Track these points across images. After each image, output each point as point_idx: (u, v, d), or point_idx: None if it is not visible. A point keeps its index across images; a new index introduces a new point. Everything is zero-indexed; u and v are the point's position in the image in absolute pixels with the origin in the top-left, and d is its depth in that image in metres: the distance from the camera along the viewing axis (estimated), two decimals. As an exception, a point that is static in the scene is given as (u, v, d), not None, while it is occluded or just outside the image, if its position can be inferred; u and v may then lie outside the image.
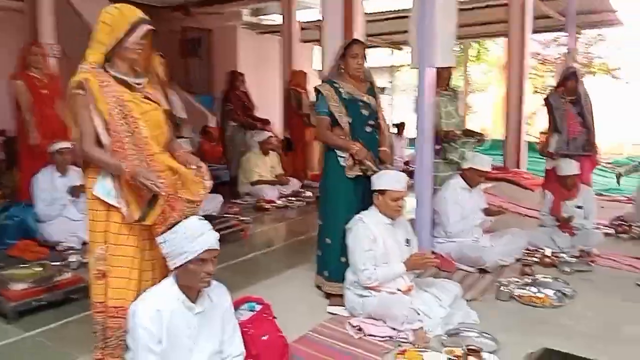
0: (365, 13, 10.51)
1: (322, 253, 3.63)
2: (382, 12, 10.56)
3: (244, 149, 6.90)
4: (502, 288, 3.71)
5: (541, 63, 14.80)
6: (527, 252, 4.58)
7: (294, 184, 6.85)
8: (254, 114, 7.12)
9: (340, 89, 3.47)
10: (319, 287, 3.66)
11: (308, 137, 7.86)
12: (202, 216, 2.27)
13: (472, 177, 4.37)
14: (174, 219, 2.25)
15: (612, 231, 5.37)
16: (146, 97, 2.38)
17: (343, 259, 3.47)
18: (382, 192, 3.29)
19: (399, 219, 3.38)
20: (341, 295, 3.46)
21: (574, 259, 4.48)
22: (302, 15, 10.19)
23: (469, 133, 4.55)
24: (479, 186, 4.50)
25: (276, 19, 11.90)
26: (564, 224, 4.81)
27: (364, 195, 3.50)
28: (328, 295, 3.56)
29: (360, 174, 3.43)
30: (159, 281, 2.33)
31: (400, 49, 13.96)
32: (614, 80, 14.18)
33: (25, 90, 4.88)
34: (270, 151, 6.79)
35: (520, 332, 3.14)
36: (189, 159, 2.46)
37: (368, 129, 3.53)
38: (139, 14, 2.29)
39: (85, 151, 2.26)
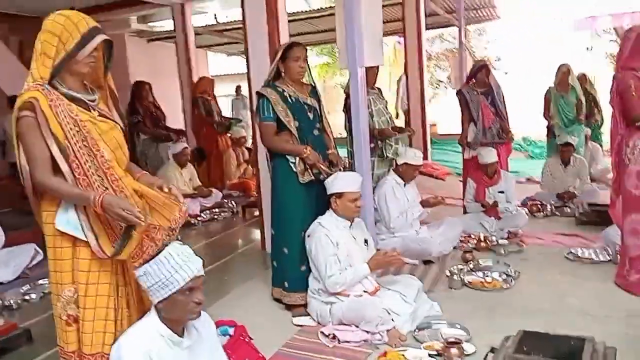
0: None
1: (279, 264, 3.50)
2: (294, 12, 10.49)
3: (157, 163, 6.52)
4: (454, 277, 3.81)
5: (428, 58, 15.57)
6: (462, 239, 4.78)
7: (216, 195, 6.60)
8: (165, 125, 6.75)
9: (285, 93, 3.37)
10: (278, 300, 3.53)
11: (221, 146, 7.62)
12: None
13: (406, 172, 4.45)
14: (153, 249, 2.03)
15: (525, 211, 5.74)
16: (101, 115, 2.12)
17: (303, 268, 3.38)
18: (339, 194, 3.24)
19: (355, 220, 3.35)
20: (303, 305, 3.37)
21: (505, 241, 4.74)
22: (194, 21, 9.86)
23: (399, 129, 4.63)
24: (413, 180, 4.60)
25: (166, 25, 11.46)
26: (490, 209, 5.07)
27: (317, 200, 3.43)
28: (289, 307, 3.44)
29: (313, 178, 3.35)
30: (136, 319, 2.10)
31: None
32: (494, 71, 15.26)
33: None
34: (187, 163, 6.48)
35: (485, 317, 3.24)
36: (154, 180, 2.23)
37: (316, 132, 3.46)
38: (90, 22, 2.02)
39: (39, 181, 1.96)
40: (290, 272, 3.42)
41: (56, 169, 1.97)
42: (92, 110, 2.09)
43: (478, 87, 5.45)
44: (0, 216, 5.78)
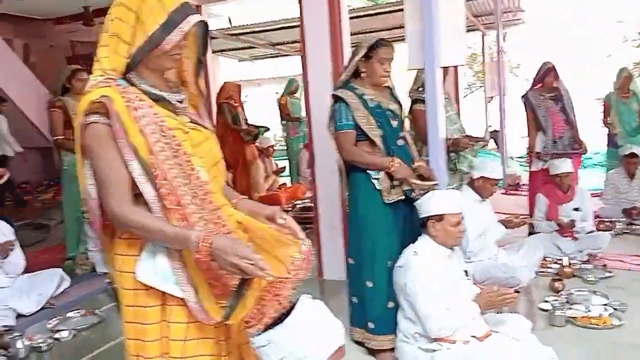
0: (275, 21, 10.06)
1: (361, 299, 2.95)
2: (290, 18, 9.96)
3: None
4: (555, 312, 3.28)
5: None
6: (542, 263, 4.24)
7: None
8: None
9: (364, 96, 2.84)
10: (359, 343, 2.98)
11: (248, 156, 7.06)
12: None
13: (484, 187, 3.90)
14: (276, 309, 1.48)
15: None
16: (192, 122, 1.57)
17: (391, 305, 2.85)
18: (438, 217, 2.70)
19: (452, 247, 2.81)
20: (391, 350, 2.83)
21: (589, 265, 4.21)
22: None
23: (471, 139, 4.10)
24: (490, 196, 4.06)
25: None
26: (565, 229, 4.54)
27: (404, 224, 2.90)
28: (373, 352, 2.90)
29: (402, 197, 2.81)
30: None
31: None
32: (515, 77, 14.81)
33: None
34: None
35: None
36: (259, 208, 1.67)
37: (400, 142, 2.93)
38: None
39: (115, 213, 1.40)
40: (376, 310, 2.88)
41: (135, 197, 1.43)
42: (180, 115, 1.54)
43: (545, 91, 4.93)
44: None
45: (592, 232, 4.63)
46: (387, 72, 2.83)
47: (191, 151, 1.47)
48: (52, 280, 3.84)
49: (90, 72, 1.49)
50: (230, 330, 1.56)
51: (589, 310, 3.36)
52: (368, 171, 2.81)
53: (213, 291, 1.45)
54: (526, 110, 5.02)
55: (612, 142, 6.18)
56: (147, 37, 1.41)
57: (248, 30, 10.27)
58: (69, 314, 3.55)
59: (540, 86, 4.98)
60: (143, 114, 1.42)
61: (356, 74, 2.88)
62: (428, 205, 2.73)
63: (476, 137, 4.10)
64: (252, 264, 1.32)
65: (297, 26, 9.72)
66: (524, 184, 7.13)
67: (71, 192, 4.67)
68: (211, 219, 1.47)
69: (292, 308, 1.47)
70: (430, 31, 3.38)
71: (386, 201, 2.79)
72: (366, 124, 2.77)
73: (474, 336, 2.64)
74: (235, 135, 6.95)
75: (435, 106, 3.49)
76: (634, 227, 5.26)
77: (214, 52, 10.33)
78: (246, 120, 7.13)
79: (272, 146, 7.41)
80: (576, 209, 4.63)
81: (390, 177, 2.80)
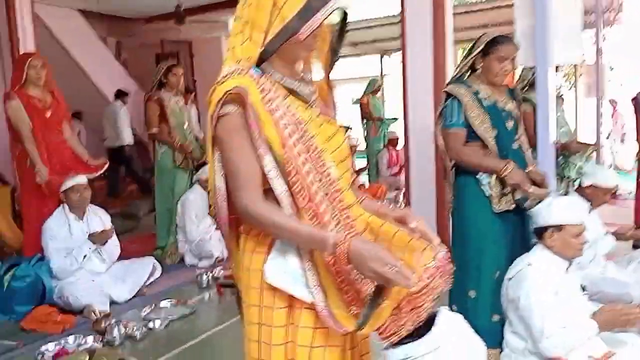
0: (355, 21, 9.95)
1: (462, 309, 2.76)
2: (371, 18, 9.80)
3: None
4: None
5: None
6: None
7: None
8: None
9: (479, 94, 2.66)
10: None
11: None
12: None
13: (595, 196, 3.61)
14: (413, 320, 1.36)
15: None
16: (322, 114, 1.47)
17: (496, 318, 2.67)
18: (558, 227, 2.49)
19: (569, 260, 2.59)
20: (494, 364, 2.65)
21: None
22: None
23: (581, 144, 3.81)
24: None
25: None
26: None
27: (515, 232, 2.71)
28: (475, 365, 2.72)
29: (513, 206, 2.62)
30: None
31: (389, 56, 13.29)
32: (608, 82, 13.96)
33: (22, 113, 3.82)
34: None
35: None
36: (385, 209, 1.54)
37: (515, 146, 2.73)
38: None
39: (247, 208, 1.33)
40: (479, 323, 2.66)
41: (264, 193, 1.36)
42: (311, 107, 1.46)
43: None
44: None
45: None
46: (505, 71, 2.64)
47: (322, 146, 1.38)
48: (145, 269, 3.92)
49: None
50: (356, 339, 1.46)
51: None
52: (477, 175, 2.63)
53: (343, 297, 1.35)
54: (636, 113, 4.64)
55: None
56: (284, 25, 1.32)
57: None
58: (161, 303, 3.58)
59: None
60: (277, 105, 1.35)
61: (472, 69, 2.71)
62: (547, 213, 2.51)
63: (586, 143, 3.81)
64: (396, 273, 1.21)
65: (376, 26, 9.73)
66: (619, 193, 6.64)
67: (163, 184, 4.78)
68: (341, 218, 1.37)
69: (429, 320, 1.34)
70: (542, 28, 3.18)
71: (496, 209, 2.61)
72: (479, 124, 2.60)
73: (590, 356, 2.42)
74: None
75: (546, 107, 3.28)
76: None
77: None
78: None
79: (354, 146, 7.30)
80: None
81: (502, 183, 2.61)
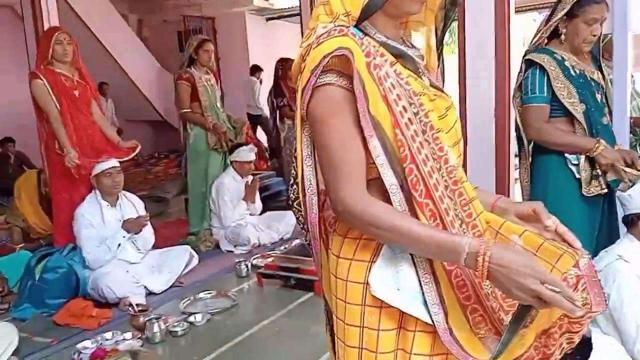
0: None
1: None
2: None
3: (303, 151, 5.70)
4: None
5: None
6: None
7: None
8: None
9: (565, 62, 2.34)
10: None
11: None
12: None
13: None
14: (562, 350, 1.09)
15: None
16: (433, 86, 1.19)
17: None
18: (651, 215, 2.20)
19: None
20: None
21: None
22: None
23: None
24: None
25: (284, 2, 10.75)
26: None
27: (602, 219, 2.42)
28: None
29: (605, 190, 2.32)
30: None
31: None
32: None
33: (49, 92, 3.59)
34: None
35: None
36: (518, 205, 1.25)
37: (604, 120, 2.41)
38: None
39: (349, 206, 1.05)
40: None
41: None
42: (422, 77, 1.18)
43: None
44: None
45: None
46: (594, 35, 2.31)
47: (438, 125, 1.11)
48: (182, 258, 3.71)
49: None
50: None
51: None
52: (565, 155, 2.33)
53: (469, 317, 1.08)
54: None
55: None
56: None
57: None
58: (200, 295, 3.37)
59: None
60: (387, 73, 1.07)
61: (554, 35, 2.39)
62: (639, 199, 2.22)
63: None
64: (556, 291, 0.93)
65: None
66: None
67: (196, 167, 4.55)
68: (463, 217, 1.10)
69: (581, 345, 1.08)
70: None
71: (585, 193, 2.31)
72: (567, 97, 2.29)
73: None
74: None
75: (624, 79, 2.96)
76: None
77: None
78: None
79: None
80: None
81: (592, 163, 2.31)
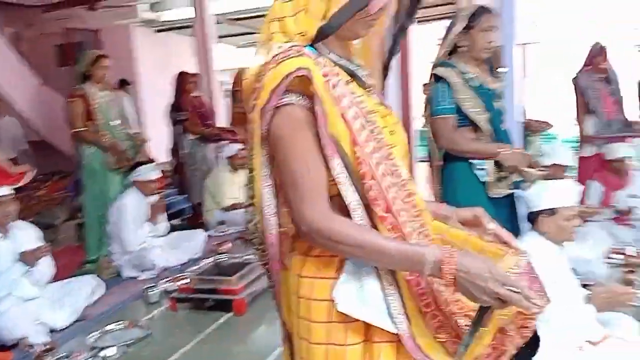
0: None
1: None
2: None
3: (206, 167, 5.58)
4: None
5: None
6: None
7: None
8: (213, 123, 5.80)
9: (466, 75, 2.50)
10: None
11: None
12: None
13: (555, 174, 3.63)
14: (516, 345, 1.15)
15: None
16: (381, 103, 1.24)
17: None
18: (551, 211, 2.40)
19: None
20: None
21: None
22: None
23: (541, 122, 3.79)
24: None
25: (176, 14, 10.49)
26: (621, 217, 4.29)
27: (505, 220, 2.60)
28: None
29: (511, 191, 2.50)
30: None
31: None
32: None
33: None
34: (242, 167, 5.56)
35: None
36: (459, 211, 1.33)
37: (503, 127, 2.61)
38: None
39: (313, 224, 1.06)
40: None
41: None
42: (371, 95, 1.22)
43: (595, 73, 4.66)
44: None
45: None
46: (491, 42, 2.49)
47: (390, 140, 1.14)
48: (85, 288, 3.46)
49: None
50: None
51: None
52: (471, 161, 2.49)
53: (429, 323, 1.12)
54: (576, 93, 4.75)
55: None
56: None
57: (251, 15, 9.89)
58: (109, 326, 3.16)
59: (590, 68, 4.71)
60: (343, 92, 1.10)
61: (453, 49, 2.54)
62: (541, 197, 2.42)
63: (546, 121, 3.81)
64: (518, 292, 0.99)
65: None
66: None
67: (93, 189, 4.29)
68: (415, 227, 1.14)
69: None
70: (509, 6, 3.12)
71: (492, 195, 2.48)
72: (471, 107, 2.44)
73: (588, 341, 2.36)
74: (250, 125, 6.57)
75: (513, 87, 3.23)
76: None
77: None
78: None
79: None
80: (633, 196, 4.38)
81: (498, 166, 2.49)
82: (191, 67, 8.76)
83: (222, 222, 5.27)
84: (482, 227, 1.27)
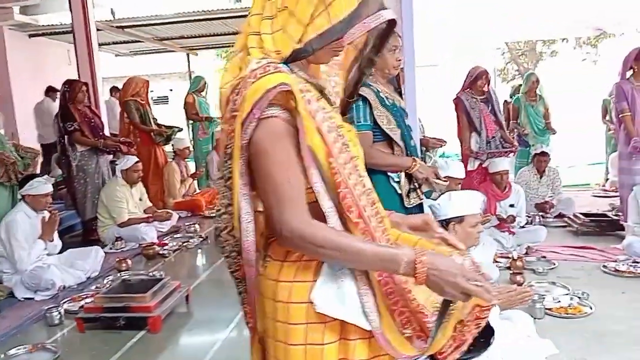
0: (156, 15, 9.46)
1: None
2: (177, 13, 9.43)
3: (98, 180, 5.31)
4: (536, 305, 3.40)
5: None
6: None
7: (174, 217, 5.56)
8: (104, 134, 5.52)
9: (380, 94, 2.69)
10: None
11: (160, 159, 6.53)
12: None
13: (448, 187, 3.96)
14: (473, 335, 1.29)
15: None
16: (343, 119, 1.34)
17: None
18: (459, 219, 2.65)
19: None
20: None
21: (533, 258, 4.46)
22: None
23: (438, 140, 4.13)
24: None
25: (51, 19, 9.85)
26: (502, 224, 4.78)
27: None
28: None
29: (422, 200, 2.71)
30: None
31: (195, 54, 12.94)
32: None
33: None
34: (138, 180, 5.37)
35: (606, 350, 2.88)
36: (408, 218, 1.46)
37: (412, 143, 2.83)
38: None
39: (294, 229, 1.13)
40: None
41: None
42: (335, 110, 1.31)
43: (477, 94, 5.16)
44: None
45: (524, 226, 4.97)
46: (399, 60, 2.69)
47: (354, 153, 1.24)
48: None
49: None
50: None
51: (558, 301, 3.53)
52: (388, 174, 2.66)
53: (397, 319, 1.22)
54: (457, 112, 5.20)
55: (521, 142, 6.59)
56: (331, 25, 1.15)
57: (135, 23, 9.58)
58: (12, 351, 2.90)
59: (470, 89, 5.19)
60: (316, 108, 1.18)
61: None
62: (448, 207, 2.66)
63: (441, 139, 4.15)
64: (478, 286, 1.12)
65: (184, 21, 9.37)
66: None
67: (-23, 205, 3.91)
68: (381, 232, 1.24)
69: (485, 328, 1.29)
70: (409, 31, 3.37)
71: (407, 205, 2.67)
72: (386, 124, 2.62)
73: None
74: (144, 137, 6.43)
75: (414, 106, 3.48)
76: (548, 220, 5.68)
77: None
78: (155, 119, 6.59)
79: (188, 147, 6.91)
80: (511, 205, 4.90)
81: (409, 179, 2.68)
82: (68, 75, 8.29)
83: (119, 238, 5.04)
84: (430, 232, 1.41)
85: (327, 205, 1.16)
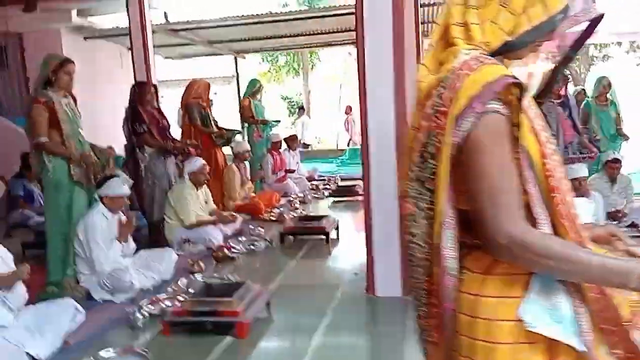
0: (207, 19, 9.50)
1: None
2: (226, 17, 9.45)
3: (165, 182, 5.31)
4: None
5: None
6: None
7: (238, 220, 5.53)
8: (172, 136, 5.53)
9: None
10: None
11: (220, 162, 6.52)
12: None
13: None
14: None
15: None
16: None
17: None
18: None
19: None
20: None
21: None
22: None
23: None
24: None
25: (105, 21, 10.01)
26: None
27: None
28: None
29: None
30: None
31: (243, 57, 13.00)
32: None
33: None
34: (205, 183, 5.36)
35: None
36: (594, 228, 1.34)
37: None
38: None
39: (513, 236, 1.01)
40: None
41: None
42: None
43: (554, 97, 4.98)
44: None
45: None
46: None
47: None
48: (65, 314, 3.13)
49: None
50: None
51: None
52: None
53: (606, 338, 1.10)
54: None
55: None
56: (548, 17, 1.06)
57: (187, 27, 9.66)
58: (101, 353, 2.87)
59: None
60: (528, 104, 1.09)
61: None
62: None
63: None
64: None
65: (233, 25, 9.39)
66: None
67: (57, 205, 3.94)
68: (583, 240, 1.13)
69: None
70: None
71: None
72: None
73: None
74: (205, 139, 6.40)
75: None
76: (620, 229, 5.44)
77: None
78: (216, 122, 6.59)
79: (248, 151, 6.89)
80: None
81: None
82: (120, 76, 8.36)
83: (186, 240, 5.02)
84: (615, 244, 1.29)
85: (539, 211, 1.06)
